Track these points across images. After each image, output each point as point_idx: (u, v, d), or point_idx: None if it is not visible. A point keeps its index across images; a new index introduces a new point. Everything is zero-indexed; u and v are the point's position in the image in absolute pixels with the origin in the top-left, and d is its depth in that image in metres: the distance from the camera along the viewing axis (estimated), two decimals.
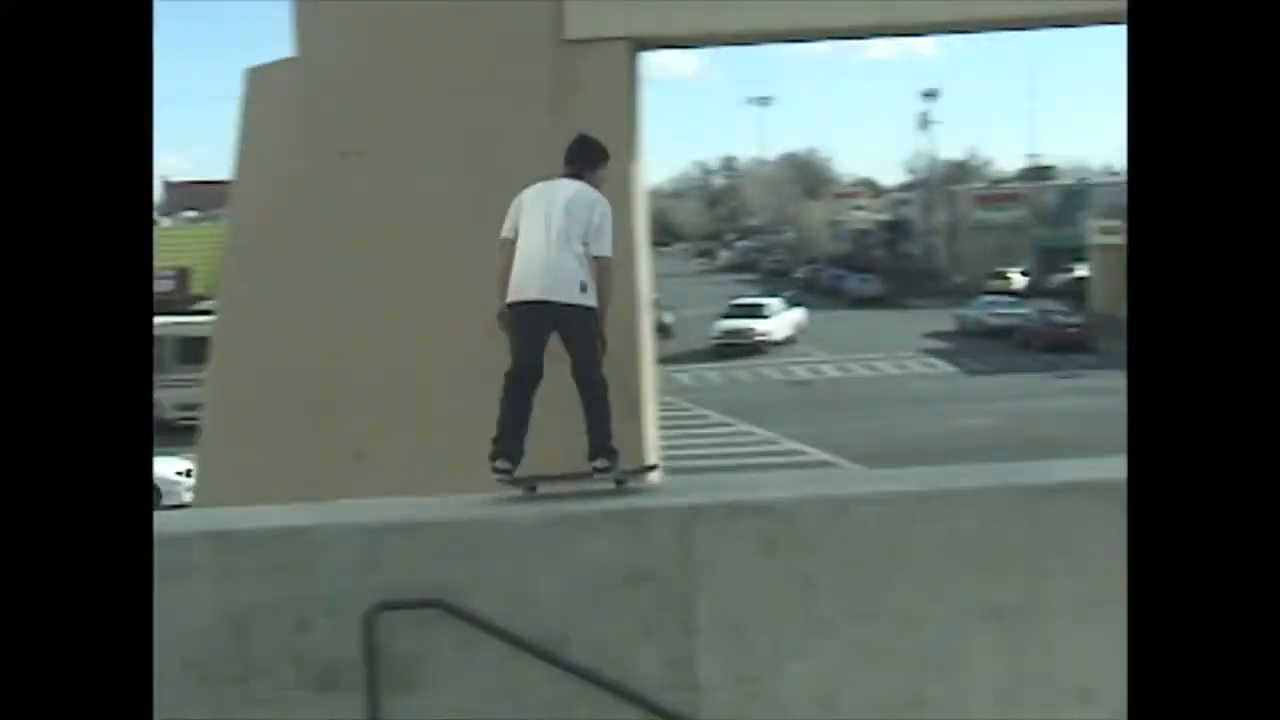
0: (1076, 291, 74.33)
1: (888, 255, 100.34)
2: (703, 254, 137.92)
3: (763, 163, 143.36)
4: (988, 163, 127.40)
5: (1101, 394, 43.29)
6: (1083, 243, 76.96)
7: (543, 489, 7.48)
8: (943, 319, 70.18)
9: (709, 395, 49.51)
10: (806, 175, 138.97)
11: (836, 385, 52.46)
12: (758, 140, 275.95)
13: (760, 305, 66.29)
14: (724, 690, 6.64)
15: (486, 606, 6.48)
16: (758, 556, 6.67)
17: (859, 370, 55.96)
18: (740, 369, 57.05)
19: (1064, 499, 6.83)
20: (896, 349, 60.49)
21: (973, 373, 54.20)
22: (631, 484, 7.51)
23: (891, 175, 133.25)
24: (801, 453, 36.53)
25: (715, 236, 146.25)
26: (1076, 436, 32.52)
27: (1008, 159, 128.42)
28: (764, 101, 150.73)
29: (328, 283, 10.82)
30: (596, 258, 7.34)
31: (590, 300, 7.33)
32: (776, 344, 62.42)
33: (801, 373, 55.85)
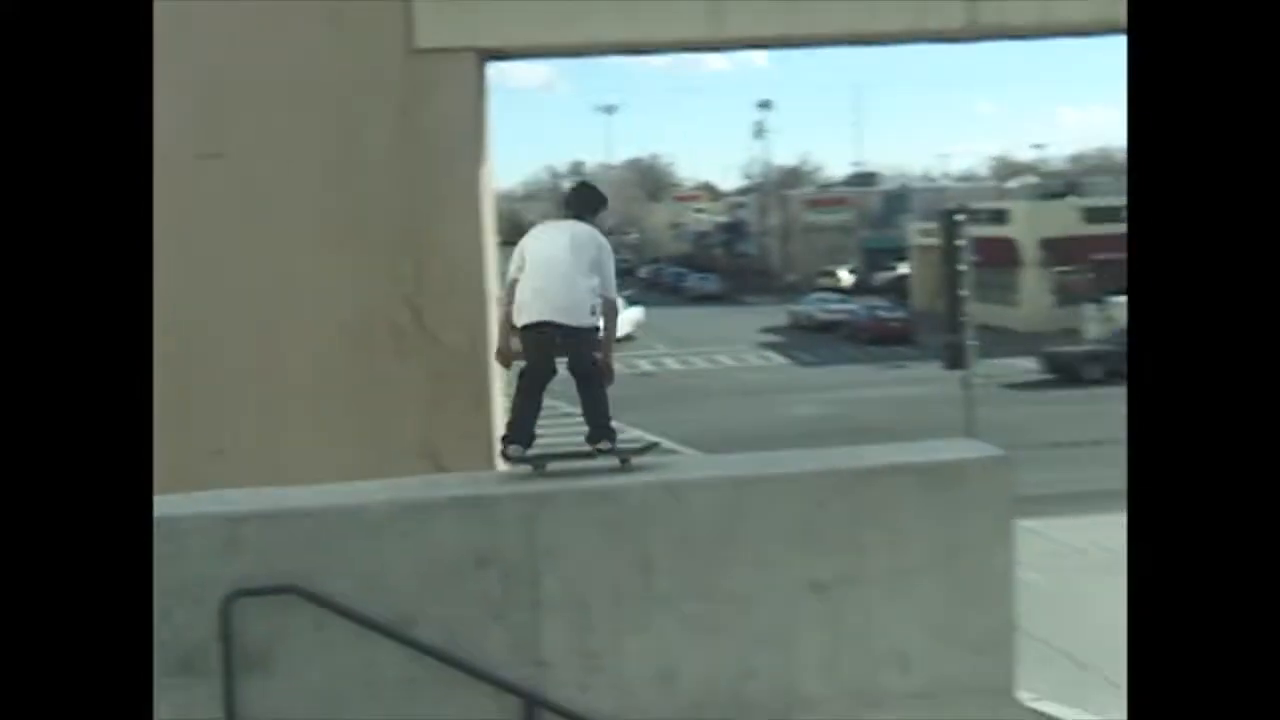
0: (899, 289, 75.45)
1: (726, 255, 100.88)
2: None
3: (609, 167, 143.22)
4: (818, 169, 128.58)
5: (921, 383, 44.15)
6: (904, 243, 78.08)
7: (551, 466, 7.47)
8: (777, 314, 70.84)
9: (557, 387, 49.35)
10: (650, 180, 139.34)
11: (678, 377, 52.69)
12: (604, 146, 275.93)
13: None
14: (567, 666, 6.64)
15: (342, 590, 6.40)
16: (599, 539, 6.68)
17: (699, 363, 56.26)
18: None
19: (881, 480, 6.92)
20: (734, 343, 60.96)
21: (804, 364, 54.78)
22: (633, 462, 7.48)
23: (729, 180, 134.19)
24: (644, 440, 36.57)
25: None
26: (897, 422, 33.03)
27: (836, 165, 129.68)
28: (610, 110, 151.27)
29: (188, 284, 10.60)
30: (606, 299, 7.48)
31: (595, 322, 7.47)
32: (620, 341, 62.37)
33: (645, 366, 55.98)
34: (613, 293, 7.55)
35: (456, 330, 11.51)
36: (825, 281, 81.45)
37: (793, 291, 78.32)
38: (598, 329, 7.55)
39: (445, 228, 11.57)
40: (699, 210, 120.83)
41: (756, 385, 48.39)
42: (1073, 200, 72.07)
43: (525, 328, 7.36)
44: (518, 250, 7.57)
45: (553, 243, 7.48)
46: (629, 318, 65.05)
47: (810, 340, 61.98)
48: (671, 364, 56.45)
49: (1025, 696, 12.32)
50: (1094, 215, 65.81)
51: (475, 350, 11.49)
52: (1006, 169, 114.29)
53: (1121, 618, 16.94)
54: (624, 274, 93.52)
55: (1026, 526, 21.80)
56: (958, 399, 28.93)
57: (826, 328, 64.86)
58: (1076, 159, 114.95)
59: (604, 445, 7.35)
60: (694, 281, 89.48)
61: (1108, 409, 41.47)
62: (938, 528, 6.75)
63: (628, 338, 63.00)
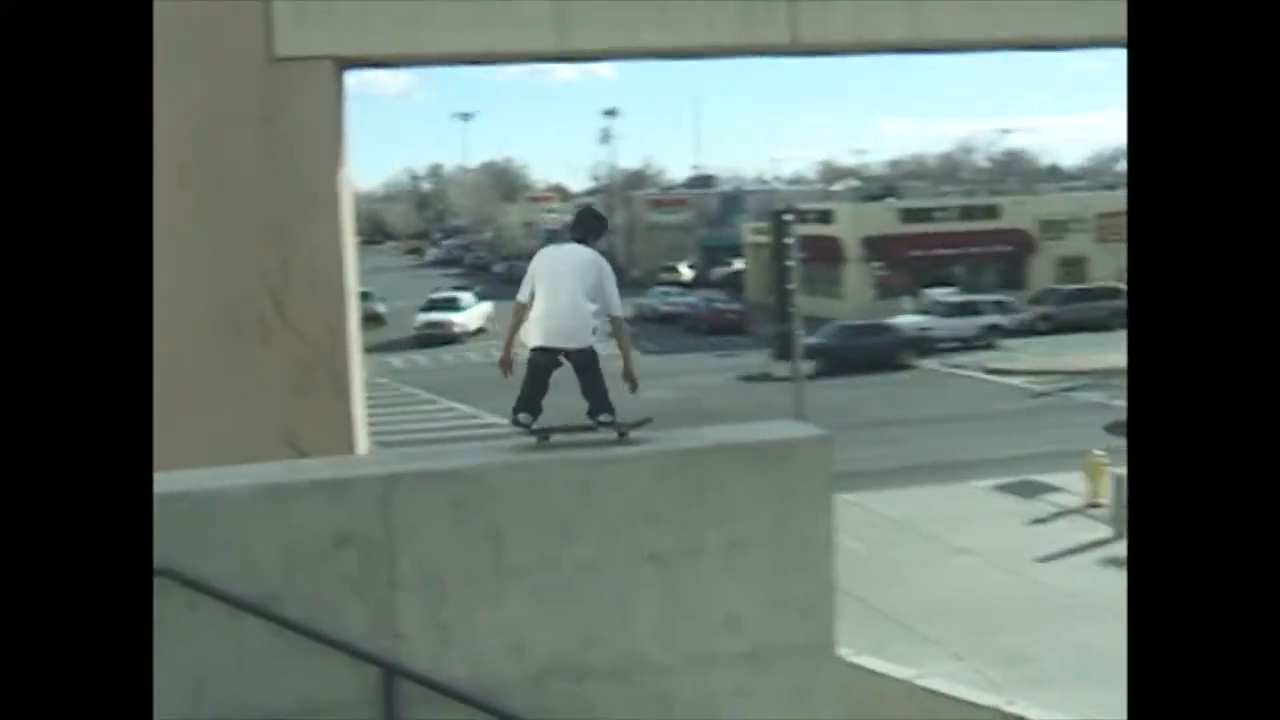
0: (734, 283, 76.14)
1: None
2: (413, 251, 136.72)
3: (466, 170, 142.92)
4: (660, 172, 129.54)
5: (753, 369, 44.75)
6: (739, 241, 78.85)
7: (555, 438, 7.49)
8: (623, 307, 70.97)
9: (418, 377, 49.09)
10: (504, 182, 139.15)
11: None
12: (461, 151, 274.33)
13: (455, 300, 65.59)
14: (423, 638, 6.58)
15: (210, 572, 6.26)
16: (451, 517, 6.62)
17: None
18: (446, 353, 56.70)
19: (714, 458, 6.97)
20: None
21: (648, 353, 54.94)
22: (632, 435, 7.46)
23: (578, 182, 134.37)
24: (500, 425, 36.57)
25: (424, 235, 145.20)
26: (733, 406, 33.35)
27: (677, 169, 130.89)
28: (466, 117, 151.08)
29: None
30: (613, 318, 7.71)
31: (596, 338, 7.67)
32: (471, 334, 62.05)
33: (498, 354, 55.70)
34: (618, 310, 7.75)
35: (318, 323, 11.38)
36: (667, 276, 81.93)
37: (637, 285, 78.51)
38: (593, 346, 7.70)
39: (307, 227, 11.42)
40: (550, 210, 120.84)
41: (604, 372, 48.40)
42: (891, 202, 73.56)
43: (535, 348, 7.59)
44: (529, 272, 7.68)
45: (558, 269, 7.59)
46: (480, 312, 64.82)
47: (654, 330, 62.25)
48: (525, 354, 56.24)
49: (845, 653, 12.53)
50: (909, 216, 67.18)
51: (335, 342, 11.37)
52: (832, 173, 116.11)
53: (930, 577, 17.41)
54: (480, 269, 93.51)
55: (846, 499, 22.21)
56: (788, 386, 29.23)
57: (669, 319, 65.26)
58: (894, 164, 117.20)
59: (604, 419, 7.45)
60: None
61: (916, 393, 42.36)
62: (766, 502, 6.81)
63: (480, 331, 62.79)
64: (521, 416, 7.49)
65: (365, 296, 51.21)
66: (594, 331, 7.61)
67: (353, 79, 12.51)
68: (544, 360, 7.54)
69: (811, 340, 48.95)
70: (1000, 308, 55.23)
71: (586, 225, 7.96)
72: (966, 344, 51.53)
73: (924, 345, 49.65)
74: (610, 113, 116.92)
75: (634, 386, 7.70)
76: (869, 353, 47.27)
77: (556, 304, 7.50)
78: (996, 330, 53.26)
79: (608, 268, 7.73)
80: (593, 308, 7.55)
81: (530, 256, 7.85)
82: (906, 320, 53.32)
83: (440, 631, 6.61)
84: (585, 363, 7.54)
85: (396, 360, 53.20)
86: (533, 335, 7.60)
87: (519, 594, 6.66)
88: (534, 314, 7.58)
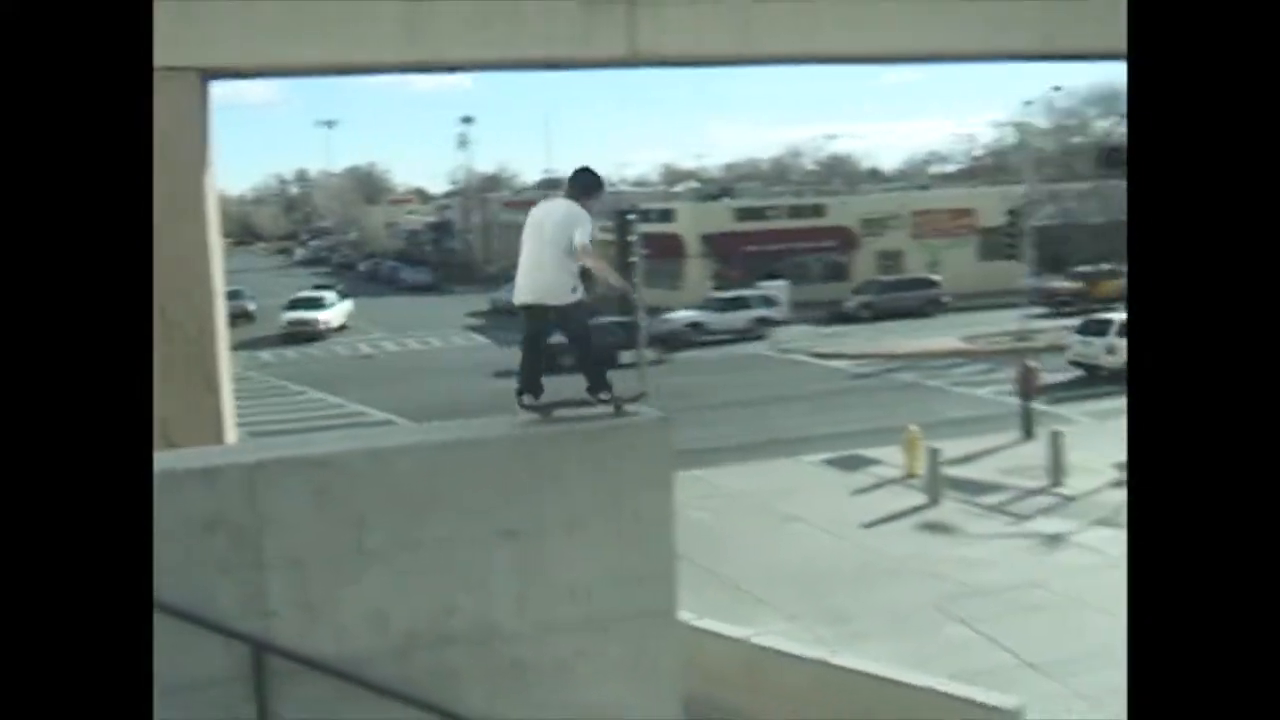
0: (584, 277, 76.18)
1: (435, 250, 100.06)
2: (281, 251, 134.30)
3: (331, 175, 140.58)
4: (514, 175, 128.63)
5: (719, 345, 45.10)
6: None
7: (558, 413, 7.37)
8: (480, 301, 70.66)
9: (287, 370, 48.26)
10: (367, 185, 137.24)
11: (395, 358, 52.07)
12: (326, 156, 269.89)
13: (319, 298, 64.39)
14: (291, 616, 6.49)
15: None
16: (315, 501, 6.53)
17: (414, 345, 55.69)
18: (314, 347, 55.84)
19: (559, 441, 6.97)
20: (443, 326, 60.54)
21: (504, 344, 54.74)
22: (627, 409, 7.33)
23: (437, 185, 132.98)
24: (365, 414, 36.14)
25: (292, 236, 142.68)
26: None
27: (530, 173, 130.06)
28: (330, 124, 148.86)
29: None
30: (579, 246, 7.32)
31: (578, 296, 7.40)
32: (335, 330, 61.10)
33: (365, 348, 55.16)
34: (584, 238, 7.36)
35: (188, 319, 11.14)
36: None
37: (493, 281, 78.08)
38: (582, 302, 7.51)
39: (176, 229, 11.17)
40: (411, 212, 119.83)
41: (463, 363, 48.20)
42: (727, 202, 74.17)
43: (520, 306, 7.41)
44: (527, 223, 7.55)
45: (541, 226, 7.45)
46: (343, 309, 63.86)
47: (509, 323, 61.95)
48: (389, 346, 55.71)
49: (688, 616, 12.64)
50: (743, 214, 67.82)
51: (204, 338, 11.15)
52: (673, 176, 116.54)
53: (766, 545, 17.58)
54: (346, 268, 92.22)
55: (690, 475, 22.38)
56: (633, 371, 29.38)
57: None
58: (730, 167, 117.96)
59: (604, 395, 7.32)
60: (408, 274, 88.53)
61: (751, 377, 42.80)
62: (609, 480, 6.84)
63: (343, 327, 61.88)
64: (525, 399, 7.40)
65: (235, 295, 50.27)
66: (573, 290, 7.40)
67: (221, 89, 12.28)
68: (531, 327, 7.44)
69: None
70: (766, 302, 55.81)
71: (578, 184, 7.75)
72: (741, 336, 51.72)
73: (675, 340, 48.62)
74: (467, 120, 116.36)
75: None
76: (624, 348, 46.12)
77: (536, 259, 7.36)
78: (765, 323, 53.73)
79: (584, 216, 7.50)
80: (574, 266, 7.37)
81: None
82: (681, 315, 53.50)
83: (307, 610, 6.53)
84: (577, 332, 7.41)
85: (266, 355, 52.25)
86: (516, 293, 7.47)
87: (381, 572, 6.60)
88: (518, 273, 7.45)
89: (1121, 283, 54.06)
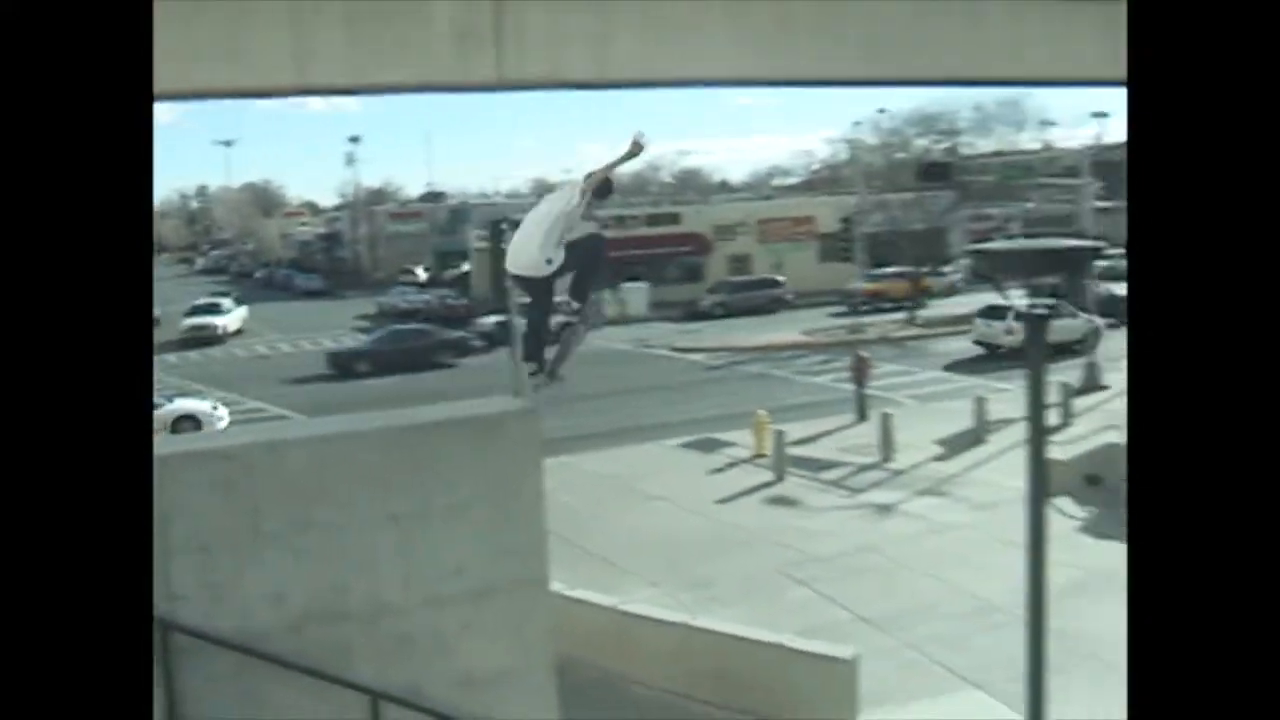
0: (463, 282, 75.51)
1: (326, 259, 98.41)
2: (184, 261, 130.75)
3: (229, 190, 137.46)
4: (399, 189, 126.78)
5: (473, 352, 44.80)
6: (466, 247, 78.23)
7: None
8: (368, 305, 69.76)
9: (190, 370, 47.08)
10: (263, 199, 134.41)
11: (290, 358, 51.11)
12: (225, 173, 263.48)
13: (217, 305, 62.78)
14: (196, 598, 6.38)
15: None
16: (216, 492, 6.43)
17: (307, 345, 54.64)
18: (215, 350, 54.56)
19: (438, 431, 6.95)
20: (334, 329, 59.53)
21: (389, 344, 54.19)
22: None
23: (328, 199, 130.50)
24: (263, 410, 35.44)
25: (193, 247, 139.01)
26: (464, 384, 33.11)
27: (413, 187, 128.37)
28: (229, 143, 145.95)
29: None
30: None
31: (551, 270, 7.52)
32: (232, 334, 59.72)
33: (261, 349, 54.07)
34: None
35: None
36: (406, 278, 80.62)
37: (380, 286, 77.26)
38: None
39: None
40: (304, 224, 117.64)
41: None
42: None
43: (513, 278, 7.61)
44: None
45: (536, 210, 7.71)
46: (239, 315, 62.45)
47: (395, 324, 61.32)
48: (285, 348, 54.66)
49: (559, 587, 12.67)
50: (605, 223, 67.91)
51: None
52: (543, 188, 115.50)
53: (631, 521, 17.65)
54: (244, 276, 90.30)
55: (558, 460, 22.38)
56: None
57: (407, 314, 64.31)
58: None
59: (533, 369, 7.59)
60: (301, 280, 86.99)
61: (615, 370, 42.89)
62: (483, 466, 6.84)
63: (239, 332, 60.51)
64: (530, 369, 7.59)
65: None
66: (549, 262, 7.51)
67: None
68: (529, 307, 7.66)
69: (356, 345, 47.31)
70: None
71: (593, 186, 7.87)
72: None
73: (461, 345, 47.06)
74: (354, 139, 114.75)
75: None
76: (410, 354, 43.88)
77: (518, 241, 7.60)
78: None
79: (571, 202, 7.70)
80: (556, 254, 7.55)
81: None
82: (494, 319, 53.26)
83: (211, 591, 6.43)
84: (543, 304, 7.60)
85: (172, 358, 50.90)
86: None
87: (278, 555, 6.52)
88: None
89: (909, 285, 55.75)
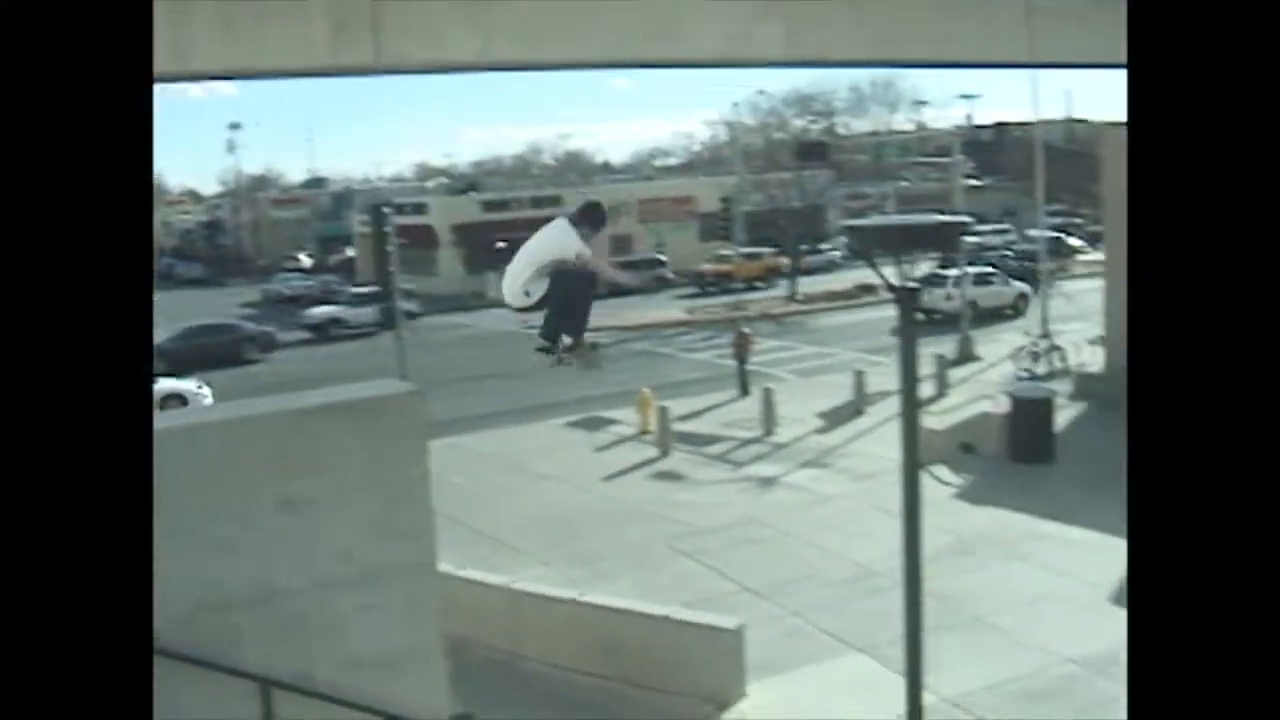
0: (348, 267, 74.51)
1: (208, 247, 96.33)
2: None
3: None
4: (281, 175, 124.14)
5: (357, 338, 44.24)
6: (349, 232, 77.17)
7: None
8: (252, 293, 68.50)
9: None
10: None
11: None
12: None
13: None
14: None
15: None
16: None
17: None
18: None
19: (325, 416, 6.82)
20: (218, 316, 58.25)
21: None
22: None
23: (209, 187, 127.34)
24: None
25: None
26: (349, 369, 32.70)
27: (295, 173, 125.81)
28: None
29: None
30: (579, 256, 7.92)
31: (530, 300, 8.05)
32: None
33: None
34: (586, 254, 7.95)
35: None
36: (290, 264, 79.34)
37: (264, 273, 75.84)
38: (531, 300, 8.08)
39: None
40: (185, 212, 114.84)
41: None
42: (474, 195, 73.79)
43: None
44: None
45: (528, 244, 8.09)
46: None
47: (279, 310, 60.16)
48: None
49: (449, 567, 12.62)
50: (490, 206, 67.64)
51: None
52: (426, 173, 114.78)
53: (520, 500, 17.65)
54: None
55: (446, 442, 22.24)
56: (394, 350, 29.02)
57: (292, 300, 63.20)
58: (477, 165, 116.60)
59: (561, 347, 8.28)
60: (182, 269, 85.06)
61: (499, 352, 42.79)
62: (370, 449, 6.74)
63: None
64: (548, 346, 8.21)
65: None
66: (527, 294, 7.94)
67: None
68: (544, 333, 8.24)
69: (158, 342, 46.47)
70: (408, 296, 55.11)
71: (585, 216, 8.19)
72: (381, 328, 47.28)
73: (265, 341, 46.05)
74: (235, 126, 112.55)
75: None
76: (213, 350, 42.50)
77: (512, 267, 8.03)
78: (411, 316, 52.64)
79: (564, 230, 8.00)
80: (536, 284, 7.93)
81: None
82: (321, 310, 52.20)
83: None
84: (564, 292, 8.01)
85: None
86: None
87: (171, 544, 6.35)
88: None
89: (759, 266, 57.20)
